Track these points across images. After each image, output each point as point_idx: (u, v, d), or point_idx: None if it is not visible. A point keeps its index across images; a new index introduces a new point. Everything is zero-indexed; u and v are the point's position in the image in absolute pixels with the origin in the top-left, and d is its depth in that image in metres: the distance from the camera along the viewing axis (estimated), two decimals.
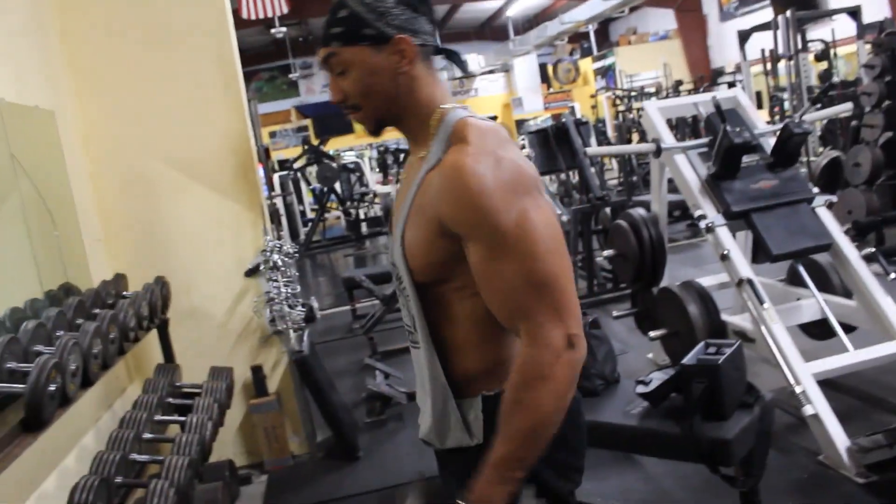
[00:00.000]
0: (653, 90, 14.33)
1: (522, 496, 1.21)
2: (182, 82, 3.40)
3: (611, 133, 14.38)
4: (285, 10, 8.36)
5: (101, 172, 3.36)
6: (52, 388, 1.94)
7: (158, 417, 2.81)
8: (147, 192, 3.44)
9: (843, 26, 9.03)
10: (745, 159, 3.32)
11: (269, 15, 8.20)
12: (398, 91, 1.27)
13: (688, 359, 2.26)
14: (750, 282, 3.01)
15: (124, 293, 3.07)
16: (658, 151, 3.52)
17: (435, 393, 1.33)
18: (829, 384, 3.05)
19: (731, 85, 11.99)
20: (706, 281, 3.81)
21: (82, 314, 2.56)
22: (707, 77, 14.06)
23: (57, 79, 3.19)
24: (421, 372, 1.37)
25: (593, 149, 7.23)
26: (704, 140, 3.47)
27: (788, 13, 5.70)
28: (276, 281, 3.46)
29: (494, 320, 1.26)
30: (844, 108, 4.60)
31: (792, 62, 5.68)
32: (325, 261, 11.07)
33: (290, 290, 3.51)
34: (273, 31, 10.63)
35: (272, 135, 18.87)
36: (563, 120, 6.17)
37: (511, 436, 1.18)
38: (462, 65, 1.38)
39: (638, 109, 12.55)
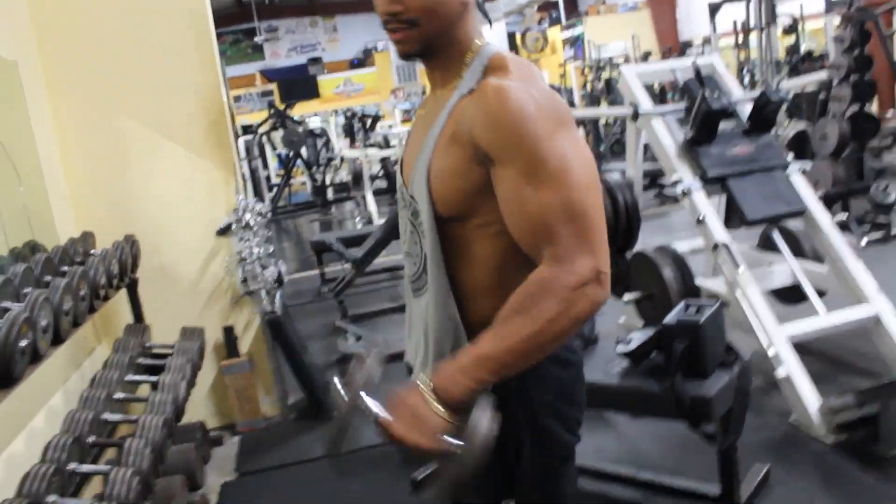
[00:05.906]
0: (621, 61, 14.30)
1: (479, 400, 1.10)
2: (152, 36, 3.28)
3: (578, 102, 14.36)
4: None
5: (66, 128, 3.24)
6: (23, 343, 1.88)
7: (130, 377, 2.75)
8: (115, 148, 3.33)
9: (811, 2, 9.12)
10: (722, 125, 3.33)
11: None
12: (456, 17, 1.26)
13: (669, 318, 2.27)
14: (726, 246, 3.03)
15: (92, 251, 2.99)
16: (635, 115, 3.50)
17: (442, 335, 1.28)
18: (799, 348, 3.09)
19: None
20: (679, 247, 3.83)
21: (50, 271, 2.49)
22: (675, 49, 14.07)
23: (19, 28, 3.06)
24: (423, 318, 1.32)
25: (574, 112, 7.21)
26: (682, 105, 3.47)
27: None
28: (248, 241, 3.40)
29: (516, 264, 1.21)
30: (820, 77, 4.64)
31: (763, 34, 5.69)
32: (291, 226, 10.97)
33: (262, 251, 3.44)
34: None
35: (236, 99, 18.48)
36: None
37: (503, 337, 1.13)
38: (486, 16, 1.38)
39: (607, 80, 12.53)
